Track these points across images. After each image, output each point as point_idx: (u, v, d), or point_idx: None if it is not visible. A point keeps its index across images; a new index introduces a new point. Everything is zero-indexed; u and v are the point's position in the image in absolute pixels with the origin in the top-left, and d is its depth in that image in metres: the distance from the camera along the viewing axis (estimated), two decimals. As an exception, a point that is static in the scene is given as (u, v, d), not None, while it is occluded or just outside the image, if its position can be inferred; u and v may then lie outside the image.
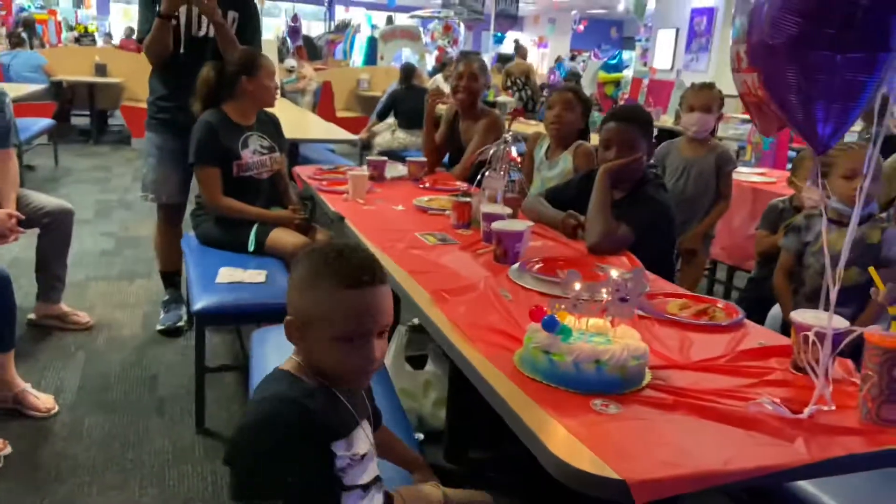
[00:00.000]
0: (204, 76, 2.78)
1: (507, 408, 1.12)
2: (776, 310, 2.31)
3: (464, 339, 1.35)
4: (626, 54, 16.25)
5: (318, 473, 1.06)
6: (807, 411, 1.11)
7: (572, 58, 17.39)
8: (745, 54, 1.12)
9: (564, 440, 1.02)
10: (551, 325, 1.20)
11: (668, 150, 3.16)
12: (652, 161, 3.29)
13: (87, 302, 3.38)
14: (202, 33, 2.94)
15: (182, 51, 2.93)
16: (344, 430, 1.10)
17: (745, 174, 3.82)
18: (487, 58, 13.52)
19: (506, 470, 2.21)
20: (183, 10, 2.86)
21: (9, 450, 2.13)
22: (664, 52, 13.31)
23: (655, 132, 3.24)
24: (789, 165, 5.26)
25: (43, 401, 2.40)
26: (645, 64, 12.85)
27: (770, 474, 0.97)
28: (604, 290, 1.23)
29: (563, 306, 1.22)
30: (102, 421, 2.39)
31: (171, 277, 3.26)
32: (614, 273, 1.26)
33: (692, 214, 3.07)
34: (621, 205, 2.13)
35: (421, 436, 2.35)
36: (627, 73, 8.42)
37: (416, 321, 2.93)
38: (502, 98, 7.42)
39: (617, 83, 7.48)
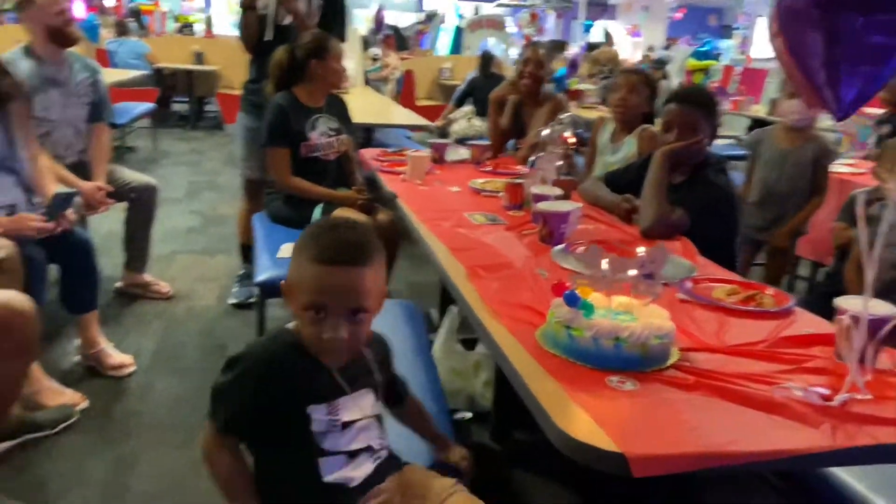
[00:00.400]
0: (276, 59, 2.89)
1: (518, 378, 1.12)
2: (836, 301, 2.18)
3: (490, 314, 1.36)
4: (723, 43, 15.60)
5: (288, 430, 1.13)
6: (837, 399, 1.05)
7: (667, 47, 16.83)
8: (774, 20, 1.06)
9: (572, 413, 1.02)
10: (573, 300, 1.18)
11: (761, 137, 3.02)
12: (743, 147, 3.17)
13: (170, 274, 3.59)
14: (287, 21, 3.06)
15: (269, 38, 3.07)
16: (324, 395, 1.13)
17: (833, 165, 3.59)
18: (577, 46, 13.29)
19: (549, 453, 2.19)
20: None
21: (86, 404, 2.29)
22: (763, 40, 12.71)
23: (748, 122, 3.11)
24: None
25: (121, 361, 2.57)
26: (743, 52, 12.30)
27: (782, 459, 0.93)
28: (630, 268, 1.20)
29: (585, 282, 1.20)
30: (173, 384, 2.54)
31: (249, 251, 3.41)
32: (641, 249, 1.23)
33: (784, 208, 2.93)
34: (679, 189, 2.07)
35: (469, 415, 2.38)
36: (719, 62, 8.07)
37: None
38: (585, 85, 7.28)
39: (706, 71, 7.19)
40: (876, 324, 1.10)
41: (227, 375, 1.15)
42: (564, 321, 1.19)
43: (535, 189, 2.02)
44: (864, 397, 1.06)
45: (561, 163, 2.11)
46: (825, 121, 5.65)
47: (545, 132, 2.14)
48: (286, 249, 2.56)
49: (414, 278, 3.74)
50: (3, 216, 2.17)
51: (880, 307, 1.13)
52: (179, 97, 8.89)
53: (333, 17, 3.15)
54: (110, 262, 3.51)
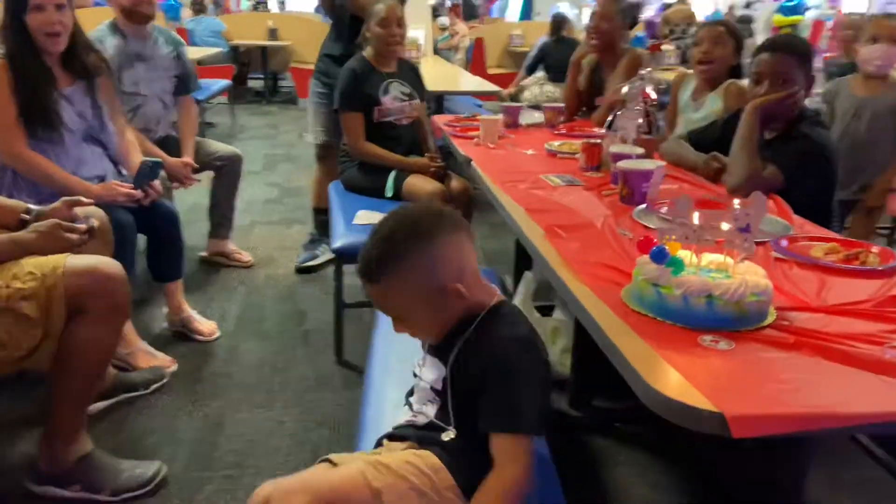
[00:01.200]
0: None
1: (604, 337, 1.08)
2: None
3: (571, 271, 1.32)
4: (811, -3, 14.64)
5: None
6: (958, 361, 0.97)
7: (747, 5, 15.95)
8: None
9: (663, 372, 0.97)
10: (660, 257, 1.13)
11: (838, 89, 2.82)
12: (819, 101, 2.98)
13: (250, 243, 3.69)
14: None
15: (337, 3, 3.12)
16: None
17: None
18: (652, 8, 12.74)
19: (629, 420, 2.15)
20: None
21: (175, 367, 2.39)
22: (857, -9, 11.85)
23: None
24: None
25: (207, 326, 2.66)
26: (833, 7, 11.52)
27: (893, 422, 0.86)
28: (723, 222, 1.14)
29: (673, 237, 1.14)
30: (256, 347, 2.62)
31: (319, 214, 3.47)
32: (736, 202, 1.15)
33: (867, 161, 2.74)
34: (772, 146, 1.95)
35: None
36: (809, 16, 7.59)
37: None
38: (664, 47, 6.98)
39: (794, 27, 6.77)
40: None
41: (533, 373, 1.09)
42: (651, 279, 1.14)
43: (614, 148, 1.94)
44: None
45: (641, 121, 2.02)
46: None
47: (625, 89, 2.05)
48: (362, 216, 2.58)
49: (488, 245, 3.72)
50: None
51: None
52: (255, 73, 9.08)
53: None
54: (195, 233, 3.63)
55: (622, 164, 1.78)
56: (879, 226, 3.50)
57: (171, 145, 3.01)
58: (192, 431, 2.09)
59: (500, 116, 2.76)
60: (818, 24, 6.57)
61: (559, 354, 2.36)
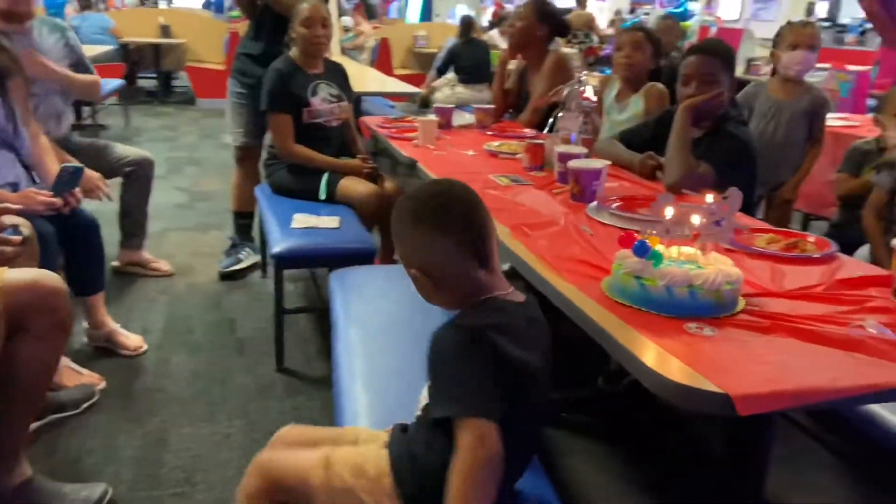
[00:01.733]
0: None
1: (601, 330, 1.12)
2: (864, 250, 2.23)
3: (549, 269, 1.36)
4: (691, 4, 15.63)
5: None
6: (913, 335, 1.08)
7: (632, 11, 16.80)
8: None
9: (662, 358, 1.02)
10: (642, 250, 1.19)
11: (756, 91, 3.04)
12: (738, 103, 3.19)
13: (165, 251, 3.51)
14: None
15: (259, 2, 3.01)
16: None
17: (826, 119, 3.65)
18: (544, 12, 13.17)
19: (579, 410, 2.23)
20: None
21: (103, 384, 2.25)
22: (731, 1, 12.76)
23: None
24: (869, 114, 5.04)
25: (132, 340, 2.52)
26: (710, 14, 12.34)
27: (880, 392, 0.95)
28: (695, 216, 1.21)
29: (654, 232, 1.20)
30: (188, 360, 2.50)
31: (240, 218, 3.36)
32: (710, 197, 1.23)
33: (782, 160, 2.96)
34: (701, 143, 2.08)
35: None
36: (693, 23, 8.09)
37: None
38: (563, 50, 7.25)
39: (683, 32, 7.20)
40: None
41: (468, 358, 1.03)
42: (634, 272, 1.19)
43: (561, 148, 2.01)
44: (937, 332, 1.09)
45: (583, 121, 2.10)
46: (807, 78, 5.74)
47: (565, 91, 2.12)
48: (300, 219, 2.52)
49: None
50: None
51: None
52: (145, 72, 8.63)
53: None
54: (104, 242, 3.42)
55: (574, 163, 1.84)
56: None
57: (71, 151, 2.82)
58: (133, 450, 1.98)
59: (436, 118, 2.78)
60: (704, 30, 7.03)
61: (503, 350, 2.40)
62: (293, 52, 2.85)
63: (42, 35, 2.79)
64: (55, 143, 2.76)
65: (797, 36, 2.87)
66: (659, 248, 1.22)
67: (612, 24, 13.65)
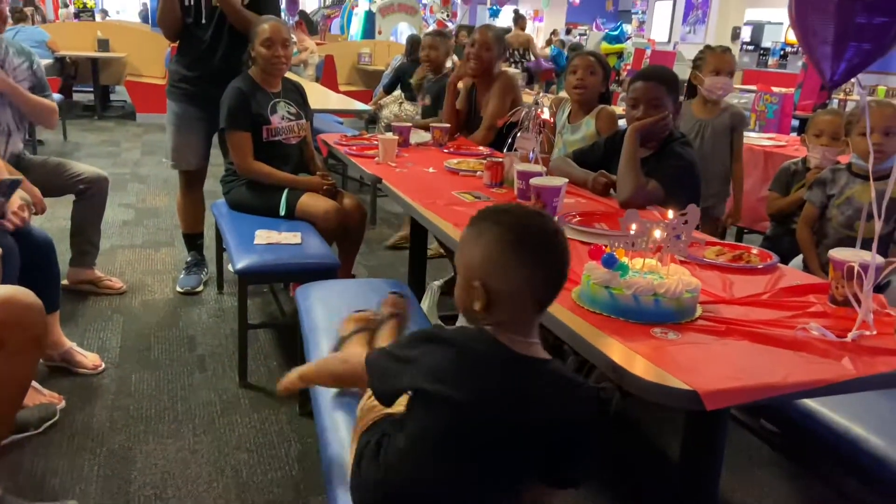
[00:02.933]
0: None
1: (577, 336, 1.21)
2: (796, 262, 2.42)
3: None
4: (626, 26, 16.22)
5: None
6: (851, 335, 1.21)
7: (568, 31, 17.33)
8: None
9: (634, 360, 1.12)
10: (611, 262, 1.29)
11: (681, 111, 3.23)
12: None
13: (116, 269, 3.47)
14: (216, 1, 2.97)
15: (203, 21, 2.98)
16: None
17: (755, 139, 3.91)
18: (485, 31, 13.44)
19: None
20: None
21: (63, 403, 2.22)
22: (661, 24, 13.35)
23: None
24: (793, 134, 5.39)
25: (90, 358, 2.49)
26: (642, 36, 12.86)
27: (825, 387, 1.07)
28: (657, 230, 1.32)
29: (621, 245, 1.31)
30: (148, 377, 2.49)
31: (194, 240, 3.35)
32: (671, 213, 1.35)
33: (709, 174, 3.16)
34: (649, 162, 2.22)
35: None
36: (629, 45, 8.44)
37: (445, 279, 3.03)
38: (511, 71, 7.44)
39: (619, 54, 7.52)
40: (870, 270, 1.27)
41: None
42: (603, 282, 1.30)
43: (520, 166, 2.12)
44: (871, 333, 1.23)
45: (540, 140, 2.21)
46: (734, 100, 6.09)
47: (523, 112, 2.23)
48: (262, 235, 2.55)
49: (368, 262, 3.78)
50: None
51: (866, 255, 1.30)
52: (82, 86, 8.40)
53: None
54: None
55: (535, 181, 1.95)
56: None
57: (23, 168, 2.77)
58: (100, 468, 1.96)
59: (395, 136, 2.85)
60: (639, 52, 7.35)
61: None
62: (252, 70, 2.88)
63: (9, 55, 2.78)
64: (5, 160, 2.72)
65: (719, 62, 3.08)
66: (624, 260, 1.33)
67: (548, 43, 14.05)
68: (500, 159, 2.32)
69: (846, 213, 2.29)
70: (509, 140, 2.28)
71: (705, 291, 1.44)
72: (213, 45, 3.02)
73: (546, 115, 2.23)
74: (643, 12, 16.49)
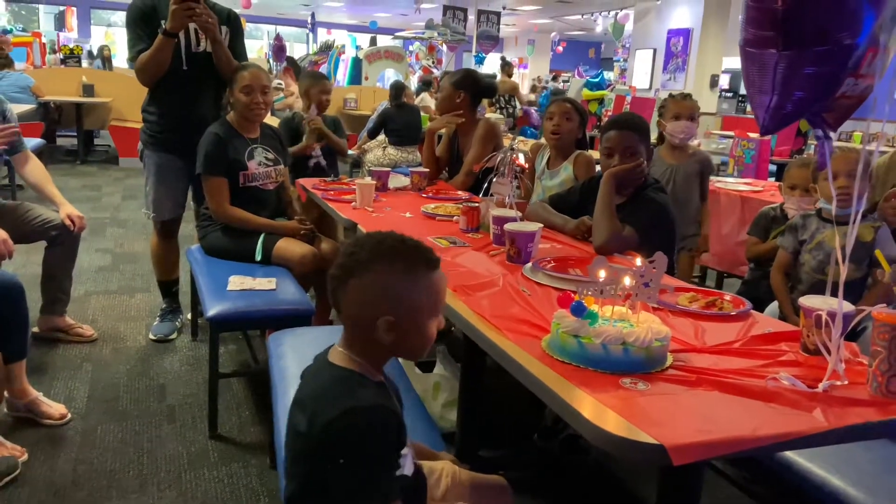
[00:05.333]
0: None
1: (544, 386, 1.18)
2: (773, 307, 2.41)
3: (492, 328, 1.42)
4: (608, 73, 16.57)
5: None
6: (822, 385, 1.19)
7: (553, 78, 17.69)
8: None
9: (600, 411, 1.09)
10: (579, 310, 1.27)
11: (652, 158, 3.29)
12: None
13: (89, 316, 3.40)
14: (201, 48, 2.98)
15: (185, 67, 2.97)
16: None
17: (732, 184, 3.95)
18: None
19: (515, 467, 2.27)
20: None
21: (26, 457, 2.14)
22: (642, 71, 13.63)
23: None
24: (771, 178, 5.46)
25: (56, 409, 2.42)
26: (624, 83, 13.10)
27: (795, 440, 1.04)
28: (627, 278, 1.31)
29: (590, 292, 1.29)
30: (115, 428, 2.41)
31: (169, 286, 3.30)
32: (638, 261, 1.33)
33: (680, 215, 3.19)
34: (624, 208, 2.22)
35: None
36: (609, 92, 8.59)
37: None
38: (487, 115, 7.53)
39: (600, 101, 7.64)
40: (844, 319, 1.25)
41: (365, 450, 1.07)
42: (572, 331, 1.27)
43: (496, 212, 2.11)
44: (842, 383, 1.21)
45: (516, 186, 2.21)
46: (713, 145, 6.19)
47: (499, 157, 2.24)
48: (235, 282, 2.51)
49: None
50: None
51: (844, 305, 1.28)
52: (65, 131, 8.41)
53: (237, 43, 3.08)
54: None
55: (510, 226, 1.94)
56: (695, 274, 4.04)
57: None
58: (58, 527, 1.88)
59: (373, 180, 2.85)
60: (620, 99, 7.47)
61: (441, 409, 2.43)
62: (230, 116, 2.89)
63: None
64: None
65: (679, 108, 3.15)
66: (594, 307, 1.31)
67: (533, 89, 14.31)
68: (477, 204, 2.31)
69: (818, 258, 2.30)
70: (485, 185, 2.28)
71: (677, 339, 1.41)
72: (197, 90, 3.03)
73: (521, 160, 2.22)
74: (625, 59, 16.86)
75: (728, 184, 3.87)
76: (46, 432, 2.34)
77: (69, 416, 2.43)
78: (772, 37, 1.04)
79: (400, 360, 2.45)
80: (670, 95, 3.38)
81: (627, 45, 15.95)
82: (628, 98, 7.40)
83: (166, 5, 2.82)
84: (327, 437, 1.08)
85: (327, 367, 1.17)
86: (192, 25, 2.88)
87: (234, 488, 2.13)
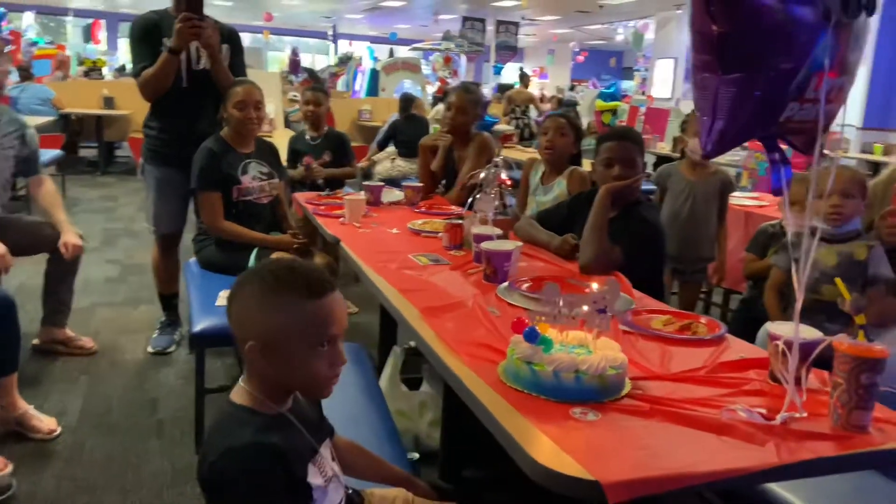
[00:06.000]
0: None
1: (488, 414, 1.16)
2: (766, 327, 2.35)
3: (450, 352, 1.40)
4: (625, 84, 16.50)
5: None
6: (779, 418, 1.15)
7: (572, 88, 17.63)
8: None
9: (542, 444, 1.06)
10: (532, 337, 1.24)
11: (670, 172, 3.23)
12: (652, 182, 3.38)
13: (91, 328, 3.44)
14: (201, 66, 3.01)
15: (185, 84, 3.01)
16: (309, 456, 1.13)
17: (737, 198, 3.87)
18: (488, 88, 13.72)
19: (500, 489, 2.23)
20: None
21: (10, 468, 2.16)
22: (663, 81, 13.53)
23: (654, 158, 3.36)
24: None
25: (45, 423, 2.44)
26: (643, 93, 13.02)
27: (738, 477, 1.01)
28: (583, 304, 1.28)
29: (543, 318, 1.26)
30: (103, 443, 2.43)
31: (168, 300, 3.32)
32: (594, 285, 1.30)
33: (696, 235, 3.14)
34: (613, 223, 2.18)
35: (416, 455, 2.38)
36: (624, 104, 8.54)
37: (412, 343, 2.97)
38: (501, 126, 7.52)
39: (614, 111, 7.59)
40: (806, 347, 1.21)
41: (234, 494, 1.04)
42: (525, 357, 1.24)
43: (476, 229, 2.09)
44: (801, 415, 1.16)
45: (497, 202, 2.19)
46: (727, 156, 6.10)
47: (482, 174, 2.22)
48: (225, 296, 2.51)
49: (353, 319, 3.73)
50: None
51: (809, 332, 1.24)
52: (87, 142, 8.57)
53: (236, 60, 3.12)
54: (25, 318, 3.31)
55: (485, 245, 1.91)
56: (703, 290, 3.98)
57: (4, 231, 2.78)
58: (35, 544, 1.89)
59: (363, 195, 2.84)
60: (633, 110, 7.41)
61: (427, 427, 2.41)
62: (224, 131, 2.91)
63: (1, 122, 2.82)
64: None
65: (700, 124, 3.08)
66: (551, 332, 1.28)
67: (552, 98, 14.27)
68: (460, 221, 2.29)
69: (812, 277, 2.23)
70: (468, 200, 2.26)
71: (639, 366, 1.38)
72: (198, 107, 3.06)
73: (505, 176, 2.20)
74: (646, 69, 16.76)
75: (733, 198, 3.80)
76: (35, 446, 2.36)
77: (58, 430, 2.45)
78: (710, 61, 1.01)
79: (386, 376, 2.44)
80: (694, 111, 3.33)
81: (648, 55, 15.87)
82: (642, 109, 7.34)
83: (170, 22, 2.86)
84: (211, 480, 1.07)
85: (225, 404, 1.15)
86: (194, 43, 2.91)
87: (215, 505, 2.12)
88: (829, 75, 0.99)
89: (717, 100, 1.04)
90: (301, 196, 3.19)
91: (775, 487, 1.49)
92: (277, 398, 1.14)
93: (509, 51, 14.13)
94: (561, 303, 1.26)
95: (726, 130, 1.06)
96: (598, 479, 0.96)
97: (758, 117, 1.03)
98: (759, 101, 1.00)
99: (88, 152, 8.79)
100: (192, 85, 3.01)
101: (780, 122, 1.03)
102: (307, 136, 4.07)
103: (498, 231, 2.08)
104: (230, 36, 3.12)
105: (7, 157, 2.85)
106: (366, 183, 3.08)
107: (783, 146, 1.23)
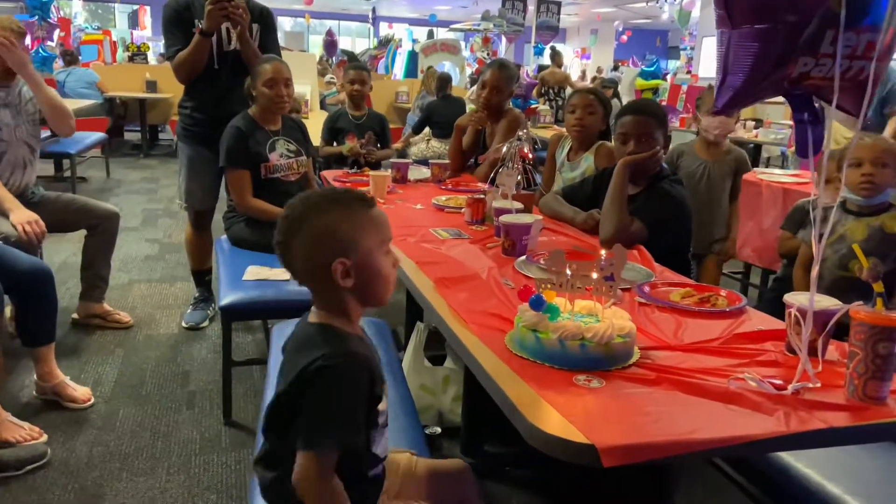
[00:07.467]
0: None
1: (490, 380, 1.15)
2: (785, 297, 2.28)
3: (460, 322, 1.39)
4: (671, 63, 16.10)
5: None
6: (791, 387, 1.11)
7: (616, 68, 17.30)
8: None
9: (542, 410, 1.05)
10: (538, 304, 1.22)
11: (682, 151, 3.16)
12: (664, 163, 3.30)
13: (129, 303, 3.54)
14: (231, 47, 3.05)
15: (216, 66, 3.05)
16: (380, 382, 1.16)
17: (776, 175, 3.75)
18: (529, 69, 13.55)
19: (521, 464, 2.23)
20: None
21: (45, 437, 2.24)
22: (709, 59, 13.16)
23: (695, 139, 3.28)
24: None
25: (80, 392, 2.52)
26: (688, 72, 12.70)
27: (740, 444, 0.98)
28: (592, 272, 1.25)
29: (549, 286, 1.24)
30: (135, 412, 2.50)
31: (201, 276, 3.39)
32: (602, 254, 1.28)
33: (711, 215, 3.06)
34: (637, 199, 2.14)
35: (438, 430, 2.39)
36: (667, 81, 8.33)
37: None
38: (536, 107, 7.41)
39: (655, 90, 7.42)
40: (822, 317, 1.17)
41: (330, 389, 1.06)
42: (531, 325, 1.23)
43: (496, 203, 2.07)
44: (814, 385, 1.13)
45: (520, 178, 2.16)
46: (771, 136, 5.91)
47: (504, 148, 2.19)
48: (252, 271, 2.56)
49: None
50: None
51: (825, 301, 1.20)
52: (132, 125, 8.78)
53: (268, 39, 3.14)
54: (66, 294, 3.46)
55: (504, 218, 1.90)
56: (733, 271, 3.88)
57: (32, 202, 2.88)
58: (66, 505, 1.96)
59: (390, 172, 2.85)
60: (675, 88, 7.23)
61: (450, 402, 2.42)
62: (252, 109, 2.93)
63: (23, 91, 2.93)
64: (24, 189, 2.85)
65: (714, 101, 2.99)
66: (558, 301, 1.26)
67: (593, 80, 14.02)
68: (483, 196, 2.27)
69: (840, 252, 2.15)
70: (490, 175, 2.24)
71: (651, 336, 1.35)
72: (228, 88, 3.10)
73: (527, 150, 2.17)
74: (691, 48, 16.34)
75: (771, 175, 3.68)
76: (69, 415, 2.45)
77: (93, 400, 2.53)
78: (723, 16, 0.97)
79: (410, 352, 2.45)
80: (709, 87, 3.25)
81: (694, 33, 15.46)
82: (684, 87, 7.16)
83: (201, 4, 2.90)
84: (299, 384, 1.07)
85: (303, 328, 1.18)
86: (224, 25, 2.95)
87: (240, 475, 2.17)
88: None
89: (728, 53, 1.00)
90: (329, 174, 3.20)
91: (792, 461, 1.45)
92: (352, 319, 1.18)
93: (551, 31, 13.90)
94: (568, 271, 1.24)
95: (736, 84, 1.02)
96: (593, 443, 0.94)
97: (767, 71, 0.99)
98: (768, 54, 0.96)
99: (133, 136, 9.02)
100: (221, 66, 3.05)
101: (796, 78, 0.99)
102: (350, 115, 4.07)
103: (518, 205, 2.06)
104: (262, 15, 3.14)
105: (33, 121, 2.96)
106: (393, 160, 3.07)
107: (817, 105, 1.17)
